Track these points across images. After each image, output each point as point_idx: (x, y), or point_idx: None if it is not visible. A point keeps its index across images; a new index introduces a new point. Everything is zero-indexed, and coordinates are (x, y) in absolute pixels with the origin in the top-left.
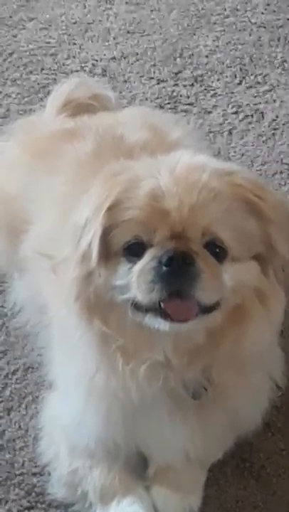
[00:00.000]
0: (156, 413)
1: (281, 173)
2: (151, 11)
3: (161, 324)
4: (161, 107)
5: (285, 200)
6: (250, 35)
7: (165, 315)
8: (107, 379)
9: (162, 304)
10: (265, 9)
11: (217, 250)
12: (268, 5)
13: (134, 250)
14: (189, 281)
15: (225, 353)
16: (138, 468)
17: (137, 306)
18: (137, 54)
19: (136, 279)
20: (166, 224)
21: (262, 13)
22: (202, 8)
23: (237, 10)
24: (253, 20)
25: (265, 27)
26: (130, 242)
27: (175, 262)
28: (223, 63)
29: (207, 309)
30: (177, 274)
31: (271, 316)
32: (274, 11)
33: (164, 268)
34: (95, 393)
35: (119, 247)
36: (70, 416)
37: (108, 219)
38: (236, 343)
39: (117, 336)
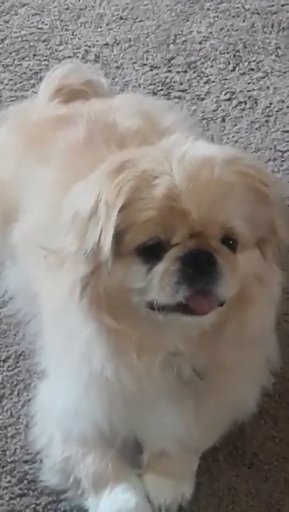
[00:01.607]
0: (157, 400)
1: (274, 160)
2: None
3: (183, 319)
4: (154, 94)
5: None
6: (243, 21)
7: (187, 311)
8: (115, 372)
9: (185, 301)
10: None
11: (231, 242)
12: None
13: (152, 251)
14: (213, 279)
15: (230, 335)
16: (131, 455)
17: (155, 306)
18: (130, 40)
19: (159, 281)
20: (185, 223)
21: (255, 0)
22: None
23: None
24: (246, 7)
25: (258, 13)
26: (147, 242)
27: (198, 263)
28: (216, 50)
29: (221, 302)
30: (201, 274)
31: (271, 294)
32: None
33: (188, 270)
34: (96, 384)
35: (133, 246)
36: (66, 404)
37: (122, 219)
38: (241, 325)
39: (129, 331)
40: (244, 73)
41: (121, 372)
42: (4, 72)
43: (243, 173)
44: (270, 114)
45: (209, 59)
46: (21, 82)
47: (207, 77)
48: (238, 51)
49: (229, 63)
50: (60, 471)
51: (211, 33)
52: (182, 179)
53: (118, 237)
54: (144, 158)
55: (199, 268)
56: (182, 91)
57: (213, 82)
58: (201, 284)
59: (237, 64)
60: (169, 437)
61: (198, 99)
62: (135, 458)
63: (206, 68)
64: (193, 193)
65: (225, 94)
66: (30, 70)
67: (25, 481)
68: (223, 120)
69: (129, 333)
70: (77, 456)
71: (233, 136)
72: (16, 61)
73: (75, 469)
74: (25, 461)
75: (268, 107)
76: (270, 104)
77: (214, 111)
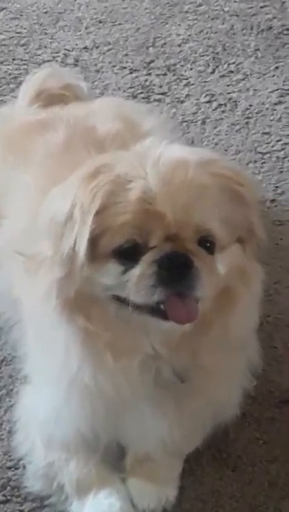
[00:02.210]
0: (138, 404)
1: (255, 162)
2: (123, 1)
3: (161, 324)
4: (134, 97)
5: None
6: (222, 23)
7: (165, 316)
8: (93, 376)
9: (163, 306)
10: None
11: (208, 244)
12: None
13: (127, 253)
14: (189, 282)
15: (213, 337)
16: (115, 460)
17: (132, 305)
18: (109, 43)
19: (135, 284)
20: (161, 226)
21: (234, 2)
22: None
23: None
24: (225, 9)
25: (237, 15)
26: (124, 245)
27: (175, 266)
28: (195, 52)
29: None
30: (178, 276)
31: (253, 295)
32: (246, 0)
33: (164, 273)
34: (77, 389)
35: (109, 249)
36: (48, 409)
37: (97, 223)
38: (224, 325)
39: (102, 332)
40: (224, 75)
41: (98, 375)
42: None
43: (217, 174)
44: (250, 116)
45: (189, 61)
46: (0, 87)
47: (187, 79)
48: (217, 53)
49: (209, 65)
50: (44, 476)
51: (190, 35)
52: (156, 182)
53: (94, 241)
54: (118, 163)
55: (175, 271)
56: (162, 94)
57: (193, 84)
58: (177, 286)
59: (216, 66)
60: (152, 441)
61: (178, 101)
62: (118, 462)
63: (185, 71)
64: (167, 196)
65: (205, 97)
66: (9, 74)
67: (9, 487)
68: (204, 122)
69: (103, 334)
70: (60, 461)
71: (213, 139)
72: None
73: (59, 475)
74: (9, 467)
75: (247, 109)
76: (250, 106)
77: (194, 113)
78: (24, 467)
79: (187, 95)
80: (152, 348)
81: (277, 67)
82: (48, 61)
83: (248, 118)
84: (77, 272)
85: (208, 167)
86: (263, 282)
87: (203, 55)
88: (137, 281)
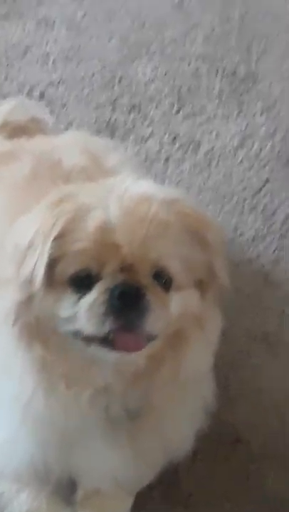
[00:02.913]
0: (92, 437)
1: (215, 202)
2: (91, 38)
3: (109, 356)
4: (98, 133)
5: (221, 227)
6: (188, 65)
7: (114, 346)
8: (45, 404)
9: (111, 336)
10: (204, 41)
11: (164, 281)
12: (207, 37)
13: (82, 281)
14: (139, 313)
15: (164, 376)
16: (66, 493)
17: (83, 337)
18: (76, 79)
19: (86, 312)
20: (117, 257)
21: (201, 45)
22: (141, 38)
23: (176, 41)
24: (191, 52)
25: (203, 58)
26: (78, 273)
27: (126, 296)
28: (161, 92)
29: (152, 337)
30: (128, 307)
31: (209, 341)
32: (213, 44)
33: (116, 302)
34: (30, 417)
35: (66, 276)
36: (2, 439)
37: (55, 248)
38: (175, 366)
39: (59, 362)
40: (188, 116)
41: (51, 404)
42: None
43: (181, 214)
44: (212, 157)
45: (154, 101)
46: None
47: (151, 118)
48: (182, 95)
49: (173, 106)
50: None
51: (156, 75)
52: (118, 214)
53: (52, 267)
54: (83, 193)
55: (126, 301)
56: (126, 131)
57: (157, 123)
58: (127, 317)
59: (181, 107)
60: (104, 476)
61: (141, 140)
62: (70, 495)
63: (150, 110)
64: (126, 228)
65: (168, 137)
66: None
67: None
68: (166, 161)
69: (60, 365)
70: (11, 492)
71: (175, 178)
72: None
73: (9, 506)
74: None
75: (210, 150)
76: (213, 148)
77: (157, 152)
78: None
79: (151, 134)
80: (105, 381)
81: (240, 112)
82: (14, 94)
83: (210, 159)
84: (35, 298)
85: (173, 205)
86: (219, 329)
87: (168, 96)
88: (89, 308)
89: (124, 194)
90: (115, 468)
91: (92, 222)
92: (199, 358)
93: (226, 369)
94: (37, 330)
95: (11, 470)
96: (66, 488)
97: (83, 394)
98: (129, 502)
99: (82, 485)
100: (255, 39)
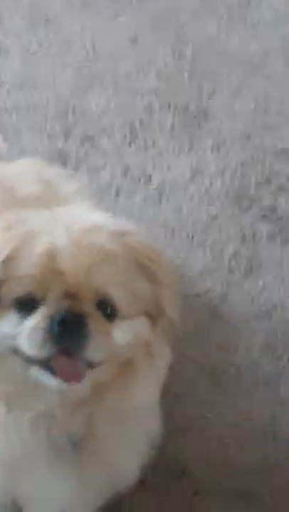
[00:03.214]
0: (37, 465)
1: (165, 236)
2: (46, 67)
3: (49, 380)
4: (51, 162)
5: (174, 264)
6: (142, 99)
7: (54, 372)
8: None
9: (52, 360)
10: (157, 76)
11: (108, 310)
12: (160, 72)
13: (25, 304)
14: (80, 340)
15: (108, 406)
16: None
17: (24, 357)
18: (29, 108)
19: (27, 336)
20: (60, 283)
21: (153, 80)
22: (96, 70)
23: (130, 75)
24: (144, 86)
25: (156, 93)
26: (22, 297)
27: (67, 323)
28: (113, 125)
29: (94, 364)
30: (68, 334)
31: (157, 371)
32: (166, 79)
33: (56, 328)
34: None
35: (10, 299)
36: None
37: (3, 272)
38: (120, 397)
39: (1, 386)
40: (140, 149)
41: None
42: None
43: (129, 245)
44: (163, 191)
45: (106, 133)
46: None
47: (103, 150)
48: (134, 128)
49: (126, 138)
50: None
51: (109, 108)
52: (64, 241)
53: None
54: (33, 219)
55: (67, 328)
56: (78, 161)
57: (109, 155)
58: (67, 343)
59: (133, 140)
60: (50, 504)
61: (93, 171)
62: None
63: (102, 142)
64: (71, 255)
65: (120, 169)
66: None
67: None
68: (117, 194)
69: (1, 387)
70: None
71: (126, 210)
72: None
73: None
74: None
75: (161, 184)
76: (163, 181)
77: (109, 184)
78: None
79: (103, 165)
80: (46, 406)
81: (191, 147)
82: None
83: (161, 193)
84: None
85: (122, 238)
86: (168, 360)
87: (120, 128)
88: (29, 333)
89: (73, 222)
90: (61, 497)
91: (38, 248)
92: (146, 389)
93: (173, 401)
94: None
95: None
96: None
97: (23, 419)
98: None
99: None
100: (207, 77)
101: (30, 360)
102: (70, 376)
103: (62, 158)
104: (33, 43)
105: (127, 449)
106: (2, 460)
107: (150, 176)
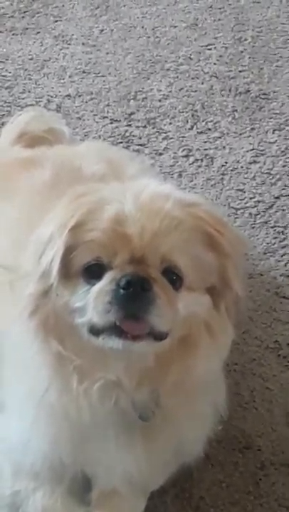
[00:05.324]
0: (105, 434)
1: (228, 216)
2: (107, 53)
3: (114, 342)
4: (115, 146)
5: (243, 238)
6: (202, 83)
7: (119, 333)
8: (59, 397)
9: (117, 322)
10: (218, 60)
11: (174, 277)
12: (221, 56)
13: (94, 272)
14: (145, 305)
15: (172, 380)
16: (81, 492)
17: (92, 329)
18: (92, 93)
19: (93, 300)
20: (127, 248)
21: (214, 64)
22: (157, 55)
23: (190, 59)
24: (205, 70)
25: (217, 77)
26: (90, 263)
27: (133, 286)
28: (175, 108)
29: (158, 337)
30: (134, 298)
31: (218, 349)
32: (226, 63)
33: (122, 291)
34: (44, 411)
35: (80, 267)
36: (18, 435)
37: (71, 238)
38: (183, 371)
39: (74, 357)
40: (201, 132)
41: (63, 397)
42: None
43: (196, 216)
44: (225, 172)
45: (168, 116)
46: None
47: (165, 133)
48: (196, 111)
49: (187, 122)
50: (9, 505)
51: (170, 92)
52: (132, 207)
53: (67, 258)
54: (103, 189)
55: (133, 292)
56: (141, 145)
57: (172, 138)
58: (133, 308)
59: (195, 123)
60: (118, 475)
61: (156, 153)
62: (85, 495)
63: (164, 125)
64: (138, 220)
65: (182, 151)
66: None
67: None
68: (180, 175)
69: (74, 359)
70: (27, 490)
71: (189, 192)
72: None
73: (24, 504)
74: None
75: (223, 165)
76: (226, 163)
77: (171, 166)
78: None
79: (165, 148)
80: (115, 375)
81: (253, 129)
82: (31, 105)
83: (223, 174)
84: (52, 290)
85: (189, 207)
86: (231, 340)
87: (182, 112)
88: (96, 297)
89: (141, 191)
90: (129, 468)
91: (106, 214)
92: (207, 365)
93: (238, 376)
94: (53, 324)
95: (27, 467)
96: (81, 488)
97: (93, 388)
98: (142, 505)
99: (97, 484)
100: (267, 59)
101: (98, 331)
102: (135, 332)
103: (125, 142)
104: (94, 30)
105: (194, 422)
106: (73, 431)
107: (212, 158)
